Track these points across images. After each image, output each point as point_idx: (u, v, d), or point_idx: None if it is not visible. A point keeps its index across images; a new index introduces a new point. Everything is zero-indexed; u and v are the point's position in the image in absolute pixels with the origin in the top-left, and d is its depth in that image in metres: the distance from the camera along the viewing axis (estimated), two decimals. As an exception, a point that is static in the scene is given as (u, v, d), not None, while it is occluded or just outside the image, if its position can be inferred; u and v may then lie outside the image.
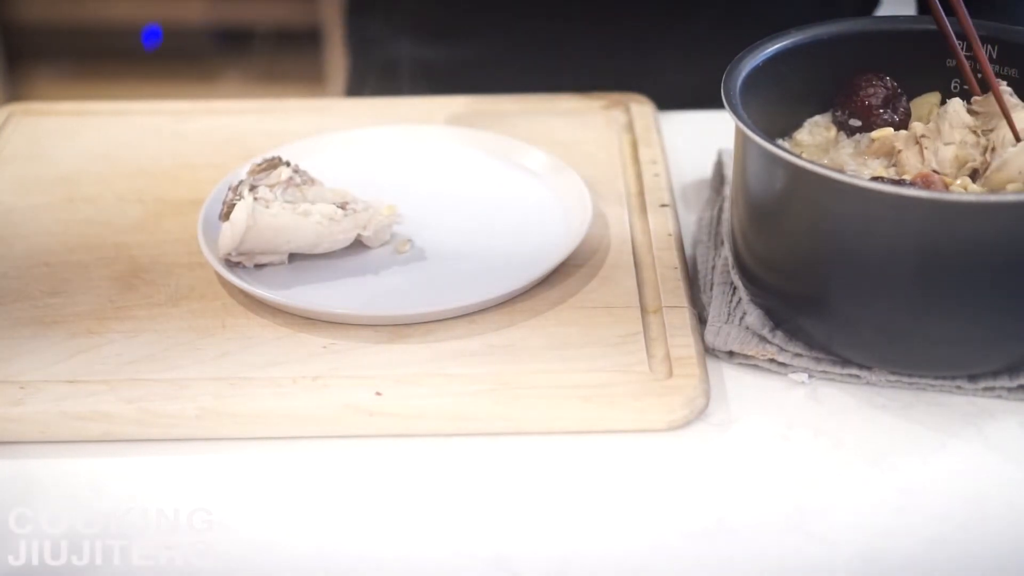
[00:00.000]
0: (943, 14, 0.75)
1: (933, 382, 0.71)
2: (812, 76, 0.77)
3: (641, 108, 0.98)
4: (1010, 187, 0.70)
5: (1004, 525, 0.63)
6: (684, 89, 1.03)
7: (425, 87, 1.04)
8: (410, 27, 1.10)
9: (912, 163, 0.73)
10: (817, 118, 0.79)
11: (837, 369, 0.72)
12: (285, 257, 0.79)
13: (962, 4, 0.75)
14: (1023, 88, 0.76)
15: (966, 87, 0.77)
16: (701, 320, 0.75)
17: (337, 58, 2.25)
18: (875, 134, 0.75)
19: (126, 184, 0.90)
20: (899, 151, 0.73)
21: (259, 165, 0.82)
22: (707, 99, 0.88)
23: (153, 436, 0.68)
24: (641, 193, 0.87)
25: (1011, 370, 0.70)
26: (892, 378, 0.71)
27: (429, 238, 0.82)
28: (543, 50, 1.05)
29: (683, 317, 0.74)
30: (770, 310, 0.73)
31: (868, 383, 0.71)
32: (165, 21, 2.40)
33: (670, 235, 0.82)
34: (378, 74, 1.14)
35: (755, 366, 0.73)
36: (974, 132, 0.74)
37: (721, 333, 0.74)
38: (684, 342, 0.72)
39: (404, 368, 0.71)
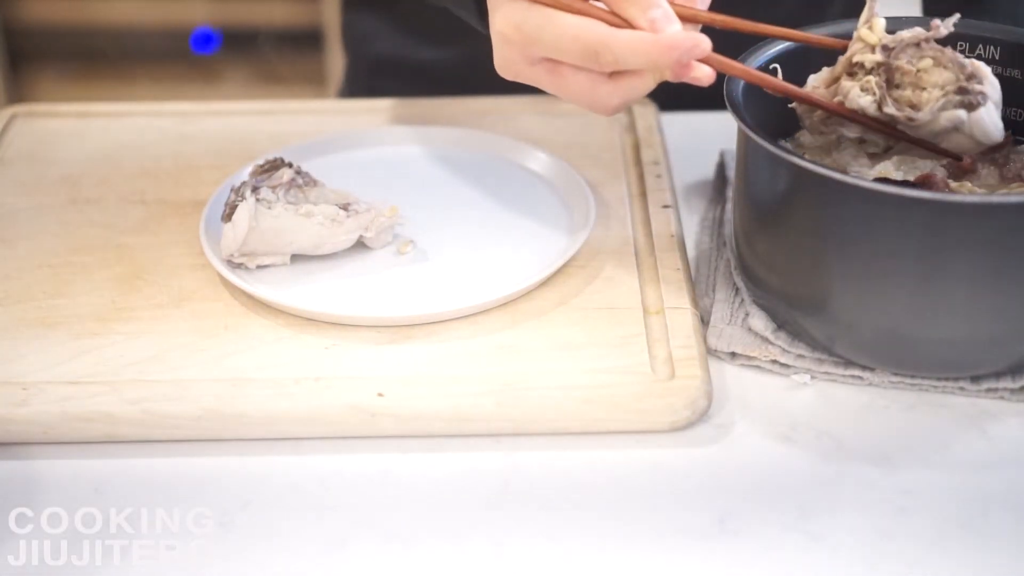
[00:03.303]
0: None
1: (935, 383, 0.71)
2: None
3: (643, 109, 0.98)
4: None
5: (1007, 527, 0.63)
6: (686, 90, 1.03)
7: (425, 88, 1.03)
8: (410, 27, 1.10)
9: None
10: (819, 119, 0.79)
11: (839, 370, 0.72)
12: (287, 258, 0.79)
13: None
14: (1023, 89, 0.76)
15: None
16: (703, 321, 0.75)
17: (339, 59, 2.25)
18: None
19: (128, 185, 0.90)
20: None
21: (261, 166, 0.82)
22: (709, 100, 0.88)
23: (155, 437, 0.68)
24: (643, 194, 0.87)
25: (1014, 371, 0.70)
26: (894, 379, 0.71)
27: (431, 239, 0.82)
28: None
29: (685, 318, 0.74)
30: (773, 311, 0.73)
31: (870, 384, 0.71)
32: (167, 22, 2.40)
33: (672, 236, 0.82)
34: (375, 75, 1.13)
35: (757, 367, 0.73)
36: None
37: (724, 334, 0.73)
38: (686, 343, 0.72)
39: (406, 369, 0.71)
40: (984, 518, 0.63)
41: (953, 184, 0.72)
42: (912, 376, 0.71)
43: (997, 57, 0.76)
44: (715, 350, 0.73)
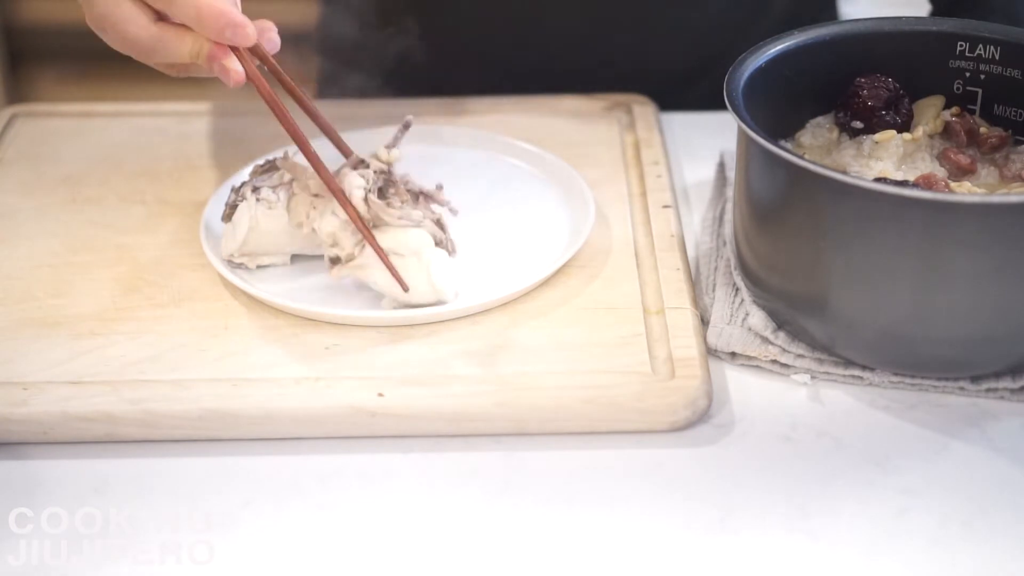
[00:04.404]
0: None
1: (935, 383, 0.71)
2: (814, 77, 0.77)
3: (643, 109, 0.98)
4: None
5: (1007, 526, 0.63)
6: (686, 90, 1.03)
7: (425, 88, 1.03)
8: (405, 26, 1.09)
9: None
10: (819, 119, 0.79)
11: (839, 370, 0.72)
12: (287, 258, 0.79)
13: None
14: (1023, 89, 0.76)
15: (969, 88, 0.78)
16: (703, 321, 0.75)
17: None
18: (877, 136, 0.75)
19: (129, 185, 0.90)
20: None
21: (261, 166, 0.82)
22: (709, 100, 0.88)
23: (155, 437, 0.68)
24: (643, 194, 0.87)
25: (1013, 371, 0.70)
26: (894, 379, 0.71)
27: (431, 239, 0.82)
28: (545, 51, 1.05)
29: (685, 318, 0.74)
30: (773, 311, 0.73)
31: (870, 384, 0.71)
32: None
33: (672, 236, 0.82)
34: (360, 78, 1.12)
35: (757, 367, 0.73)
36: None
37: (723, 334, 0.73)
38: (686, 343, 0.72)
39: (406, 369, 0.71)
40: (984, 518, 0.63)
41: (953, 184, 0.72)
42: (912, 376, 0.71)
43: (997, 57, 0.76)
44: (715, 350, 0.73)
